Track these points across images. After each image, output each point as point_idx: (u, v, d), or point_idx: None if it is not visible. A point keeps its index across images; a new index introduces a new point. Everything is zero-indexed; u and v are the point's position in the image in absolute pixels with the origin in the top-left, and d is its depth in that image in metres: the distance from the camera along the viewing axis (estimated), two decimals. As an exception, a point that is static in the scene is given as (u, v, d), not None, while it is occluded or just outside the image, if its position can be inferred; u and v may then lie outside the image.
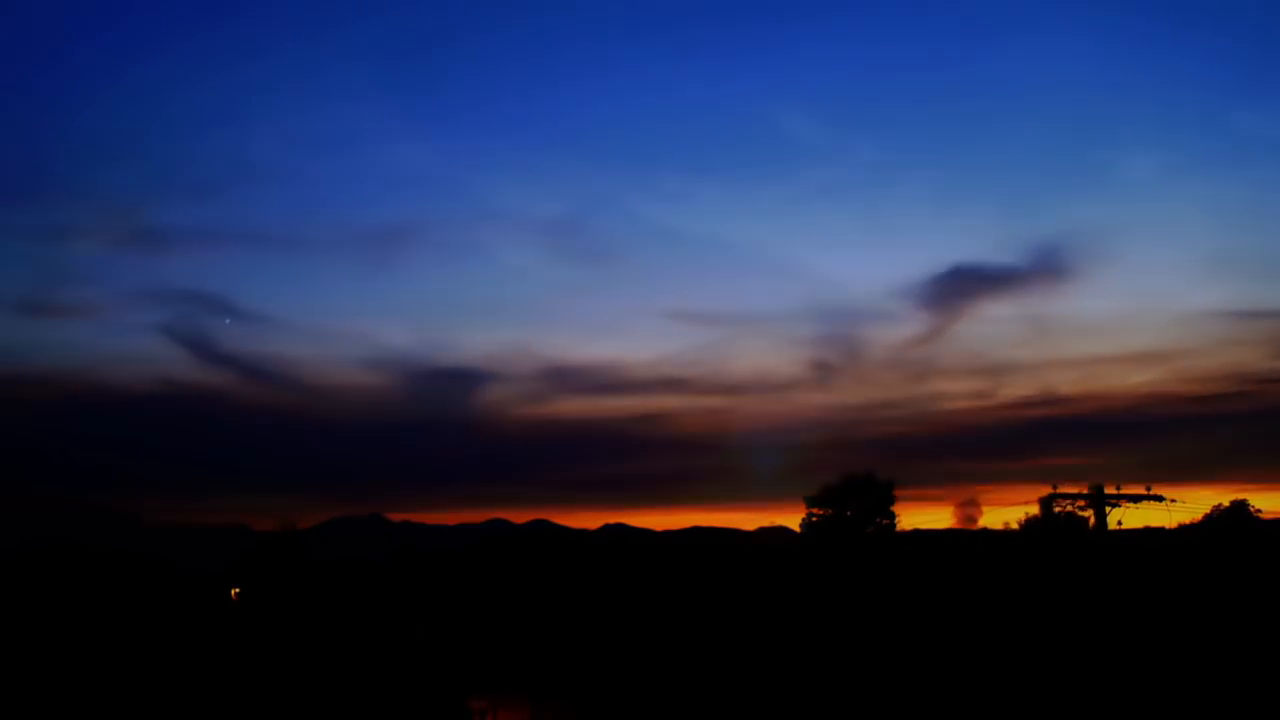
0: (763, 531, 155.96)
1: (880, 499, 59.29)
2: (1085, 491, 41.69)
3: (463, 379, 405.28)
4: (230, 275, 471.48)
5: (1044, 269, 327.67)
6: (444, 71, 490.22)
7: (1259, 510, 58.30)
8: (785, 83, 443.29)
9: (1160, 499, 42.80)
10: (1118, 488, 42.23)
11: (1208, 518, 58.19)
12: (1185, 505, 43.06)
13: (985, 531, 70.09)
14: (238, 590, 67.49)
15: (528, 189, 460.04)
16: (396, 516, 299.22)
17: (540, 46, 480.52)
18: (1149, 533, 53.70)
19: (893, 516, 59.16)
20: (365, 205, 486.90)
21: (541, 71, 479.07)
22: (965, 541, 67.35)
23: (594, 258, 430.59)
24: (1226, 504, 58.78)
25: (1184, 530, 56.61)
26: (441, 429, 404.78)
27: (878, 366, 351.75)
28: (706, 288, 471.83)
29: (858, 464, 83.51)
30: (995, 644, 45.09)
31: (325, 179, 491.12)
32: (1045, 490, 46.27)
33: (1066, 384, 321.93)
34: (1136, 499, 42.80)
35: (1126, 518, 42.81)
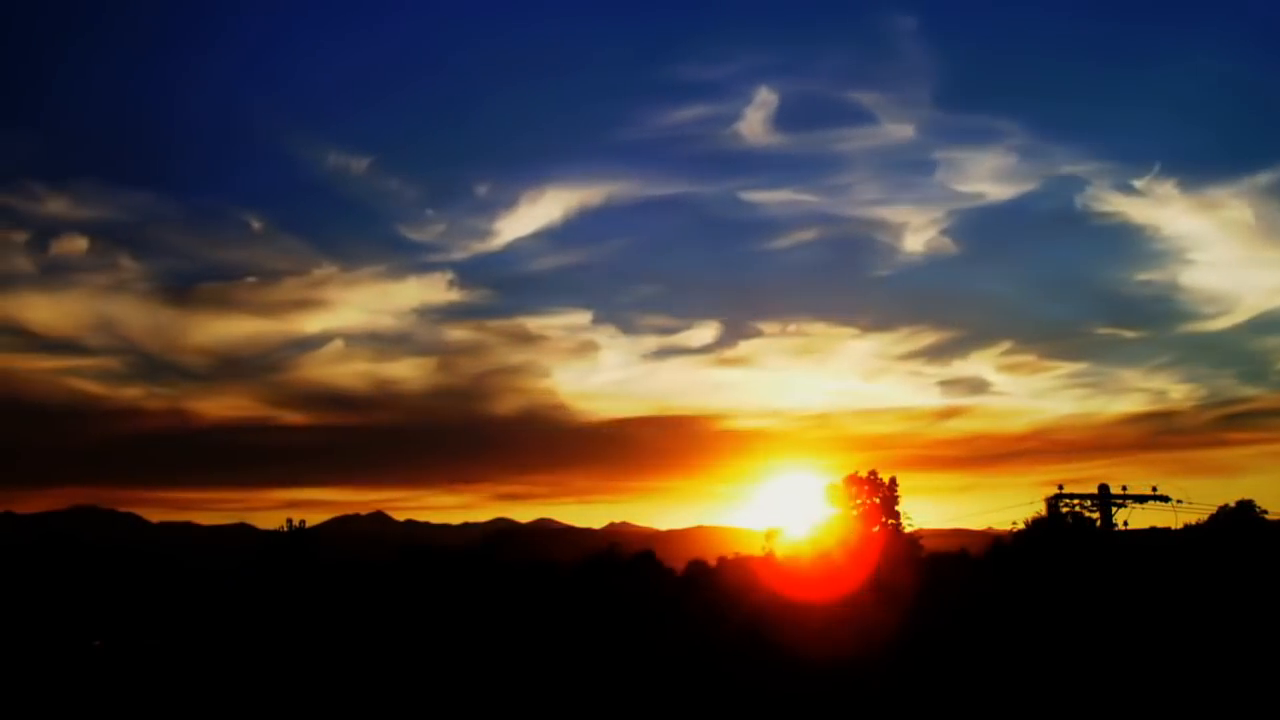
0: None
1: (885, 498, 59.12)
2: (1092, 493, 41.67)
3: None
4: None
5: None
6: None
7: (1264, 510, 58.10)
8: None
9: (1166, 499, 42.80)
10: (1123, 489, 42.22)
11: (1213, 517, 57.96)
12: (1191, 505, 43.04)
13: (990, 531, 69.96)
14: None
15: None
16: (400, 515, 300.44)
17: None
18: (1155, 533, 53.55)
19: (898, 516, 58.91)
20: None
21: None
22: (971, 541, 67.23)
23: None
24: (1233, 504, 58.57)
25: (1189, 530, 56.42)
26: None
27: None
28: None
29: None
30: (1001, 644, 44.98)
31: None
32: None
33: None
34: (1142, 499, 42.79)
35: (1132, 518, 42.83)
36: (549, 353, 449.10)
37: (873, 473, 57.68)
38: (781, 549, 58.63)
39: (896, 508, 56.98)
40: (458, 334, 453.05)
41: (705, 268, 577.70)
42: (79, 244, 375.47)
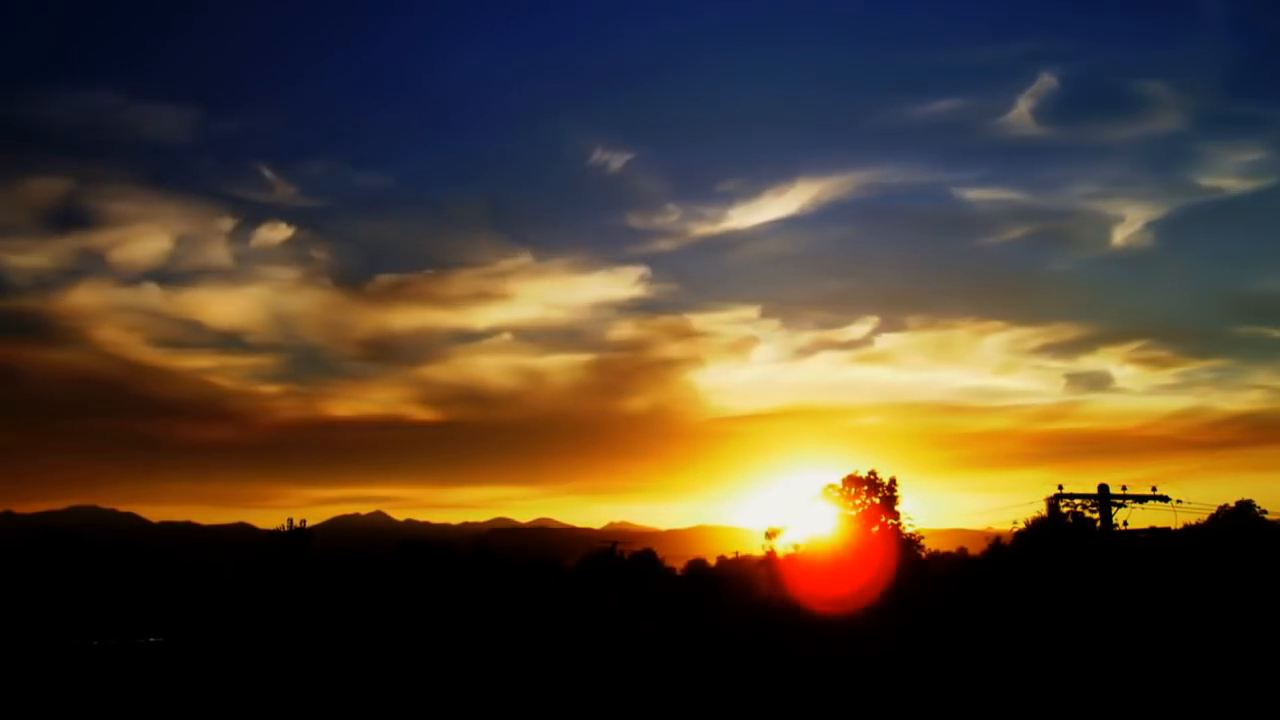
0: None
1: (885, 497, 59.02)
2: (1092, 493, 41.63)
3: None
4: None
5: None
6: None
7: (1264, 510, 58.09)
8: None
9: (1165, 499, 42.77)
10: (1123, 488, 42.18)
11: (1213, 518, 57.96)
12: (1191, 505, 43.01)
13: (990, 532, 69.92)
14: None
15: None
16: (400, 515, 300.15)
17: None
18: (1155, 533, 53.53)
19: (898, 516, 58.82)
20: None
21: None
22: (971, 541, 67.24)
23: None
24: (1232, 504, 58.55)
25: (1189, 530, 56.41)
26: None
27: None
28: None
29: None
30: (1003, 643, 44.98)
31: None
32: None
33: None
34: (1142, 499, 42.77)
35: (1132, 517, 42.79)
36: (707, 348, 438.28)
37: (872, 473, 57.64)
38: (781, 549, 58.57)
39: (896, 507, 56.92)
40: (623, 330, 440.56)
41: (892, 264, 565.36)
42: (281, 233, 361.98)
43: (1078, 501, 45.02)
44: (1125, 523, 43.08)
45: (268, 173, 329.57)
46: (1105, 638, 42.45)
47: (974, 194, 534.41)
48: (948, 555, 65.17)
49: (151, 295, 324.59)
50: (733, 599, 64.85)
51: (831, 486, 58.12)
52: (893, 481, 57.47)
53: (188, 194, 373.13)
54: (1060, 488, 44.44)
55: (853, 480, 57.78)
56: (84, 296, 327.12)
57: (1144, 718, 38.53)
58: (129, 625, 67.20)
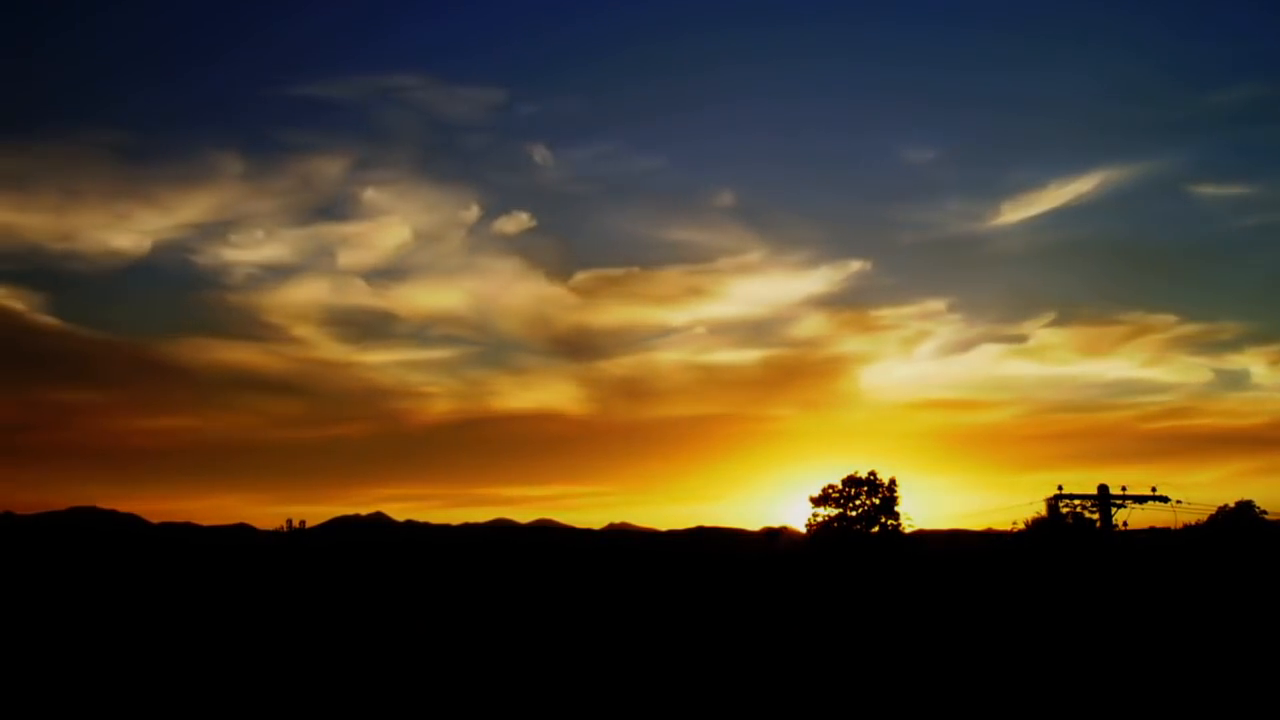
0: (767, 532, 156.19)
1: (885, 498, 59.14)
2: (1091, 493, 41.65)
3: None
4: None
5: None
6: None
7: (1264, 511, 58.19)
8: None
9: (1165, 499, 42.79)
10: (1123, 489, 42.19)
11: (1213, 518, 58.08)
12: (1190, 505, 43.03)
13: (990, 532, 70.04)
14: None
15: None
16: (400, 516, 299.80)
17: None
18: (1155, 533, 53.62)
19: (898, 516, 58.95)
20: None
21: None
22: (972, 541, 67.28)
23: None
24: (1232, 505, 58.69)
25: (1189, 530, 56.51)
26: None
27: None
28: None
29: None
30: (1003, 643, 44.99)
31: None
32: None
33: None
34: (1142, 499, 42.79)
35: (1132, 518, 42.79)
36: (883, 343, 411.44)
37: (872, 473, 57.78)
38: (781, 549, 58.67)
39: (896, 508, 57.06)
40: (809, 326, 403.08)
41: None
42: (520, 221, 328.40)
43: (1077, 502, 45.07)
44: (1125, 523, 43.13)
45: (538, 157, 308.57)
46: (1105, 637, 42.48)
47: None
48: (947, 555, 65.21)
49: (359, 290, 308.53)
50: (730, 598, 64.96)
51: (831, 487, 58.26)
52: (892, 482, 57.61)
53: (446, 180, 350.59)
54: (1060, 488, 44.46)
55: (852, 481, 57.92)
56: (301, 292, 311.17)
57: (1144, 718, 38.55)
58: (128, 625, 67.20)
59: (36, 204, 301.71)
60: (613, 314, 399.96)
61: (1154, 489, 42.38)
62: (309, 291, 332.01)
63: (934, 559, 61.82)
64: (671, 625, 57.31)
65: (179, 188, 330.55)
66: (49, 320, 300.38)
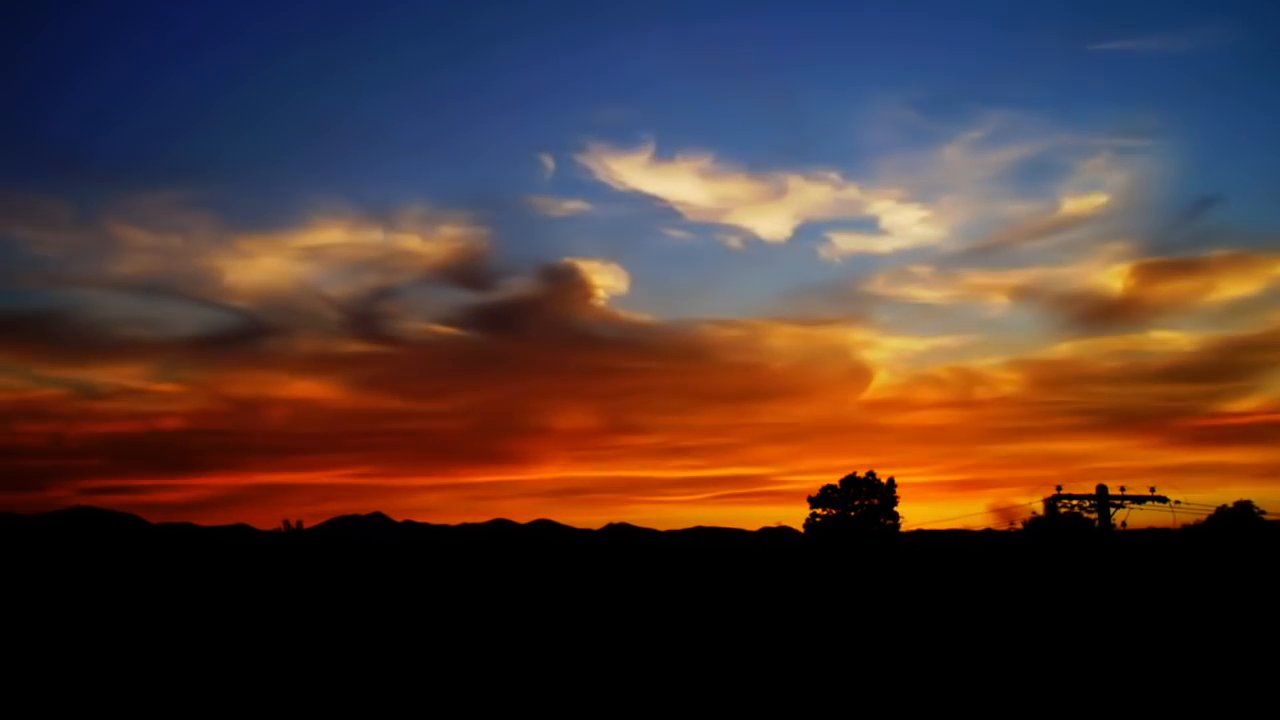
0: (767, 532, 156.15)
1: (883, 498, 59.12)
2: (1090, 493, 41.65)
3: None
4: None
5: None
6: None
7: (1262, 511, 58.20)
8: None
9: (1164, 500, 42.79)
10: (1122, 489, 42.20)
11: (1212, 518, 58.09)
12: (1189, 506, 43.03)
13: (990, 532, 69.98)
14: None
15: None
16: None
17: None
18: (1154, 533, 53.61)
19: (896, 516, 58.97)
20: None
21: None
22: (970, 541, 67.29)
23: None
24: (1231, 505, 58.71)
25: (1188, 530, 56.51)
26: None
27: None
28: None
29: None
30: (1002, 642, 44.98)
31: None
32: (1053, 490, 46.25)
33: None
34: (1140, 499, 42.79)
35: (1131, 517, 42.80)
36: None
37: (871, 473, 57.81)
38: (780, 549, 58.67)
39: (895, 508, 57.11)
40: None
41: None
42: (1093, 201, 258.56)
43: (1075, 502, 45.07)
44: (1124, 523, 43.12)
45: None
46: (1104, 637, 42.47)
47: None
48: (947, 554, 65.19)
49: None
50: (729, 597, 64.95)
51: (830, 487, 58.30)
52: (891, 482, 57.66)
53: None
54: (1059, 488, 44.46)
55: (852, 481, 57.96)
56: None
57: (1143, 717, 38.53)
58: (127, 625, 67.18)
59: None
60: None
61: (1153, 489, 42.39)
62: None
63: (933, 558, 61.82)
64: (671, 625, 57.31)
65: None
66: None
